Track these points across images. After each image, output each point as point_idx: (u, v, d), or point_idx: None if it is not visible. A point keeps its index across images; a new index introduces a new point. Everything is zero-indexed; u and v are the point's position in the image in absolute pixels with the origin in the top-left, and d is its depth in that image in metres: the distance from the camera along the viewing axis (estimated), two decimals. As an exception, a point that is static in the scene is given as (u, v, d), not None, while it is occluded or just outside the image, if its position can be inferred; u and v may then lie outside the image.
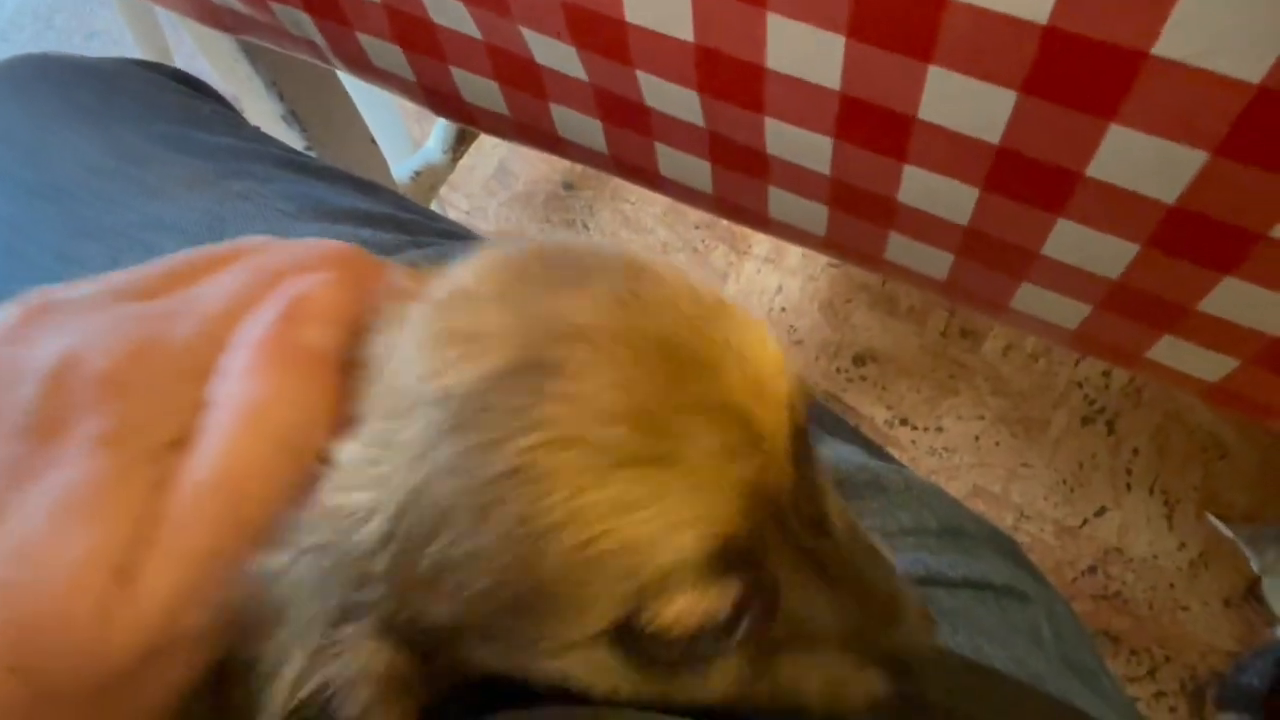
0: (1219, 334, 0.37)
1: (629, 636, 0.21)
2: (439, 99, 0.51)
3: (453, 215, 1.40)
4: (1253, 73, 0.26)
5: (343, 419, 0.22)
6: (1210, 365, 0.40)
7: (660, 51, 0.38)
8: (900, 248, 0.43)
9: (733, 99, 0.39)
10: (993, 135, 0.33)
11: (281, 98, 0.82)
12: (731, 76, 0.37)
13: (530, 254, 0.23)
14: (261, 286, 0.23)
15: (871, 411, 1.18)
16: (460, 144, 1.16)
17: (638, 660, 0.22)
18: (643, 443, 0.20)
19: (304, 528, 0.21)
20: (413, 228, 0.44)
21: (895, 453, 1.17)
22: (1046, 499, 1.13)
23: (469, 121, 0.52)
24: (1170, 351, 0.40)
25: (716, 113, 0.40)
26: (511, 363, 0.20)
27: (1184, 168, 0.30)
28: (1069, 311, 0.41)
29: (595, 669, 0.22)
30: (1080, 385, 1.18)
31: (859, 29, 0.32)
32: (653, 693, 0.23)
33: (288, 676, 0.20)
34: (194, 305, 0.23)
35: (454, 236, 0.46)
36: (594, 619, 0.20)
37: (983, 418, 1.17)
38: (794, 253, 1.27)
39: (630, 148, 0.46)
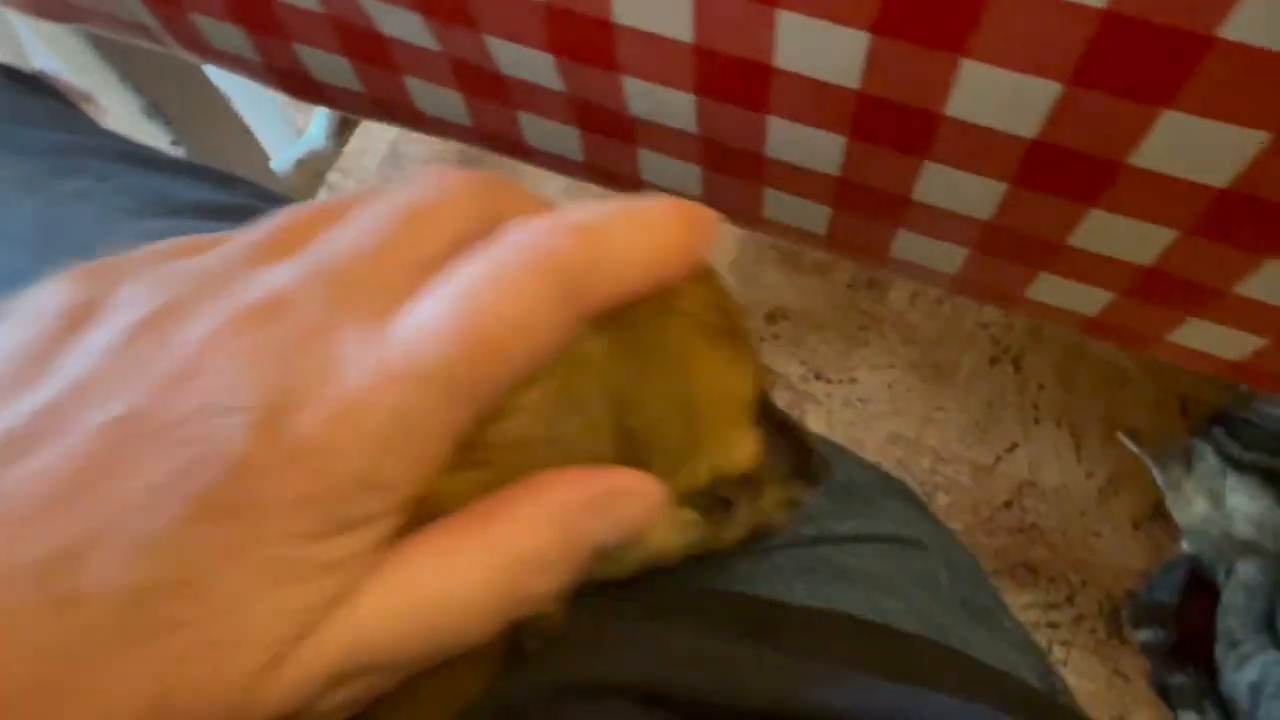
0: (1092, 267, 0.37)
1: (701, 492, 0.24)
2: (289, 80, 0.48)
3: (347, 203, 1.35)
4: (1095, -2, 0.26)
5: None
6: (1087, 299, 0.40)
7: (511, 10, 0.36)
8: (777, 203, 0.42)
9: (589, 60, 0.37)
10: (852, 80, 0.32)
11: (139, 90, 0.77)
12: (583, 35, 0.36)
13: None
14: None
15: (786, 369, 1.19)
16: (345, 129, 1.12)
17: (704, 508, 0.25)
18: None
19: None
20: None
21: (811, 408, 1.17)
22: (960, 440, 1.15)
23: (325, 101, 0.49)
24: (1048, 289, 0.40)
25: (577, 77, 0.38)
26: None
27: (1039, 100, 0.30)
28: (947, 256, 0.41)
29: (676, 525, 0.25)
30: (986, 327, 1.20)
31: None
32: (706, 541, 0.26)
33: None
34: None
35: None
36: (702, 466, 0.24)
37: (894, 366, 1.18)
38: (698, 216, 1.26)
39: (492, 119, 0.44)
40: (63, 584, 0.15)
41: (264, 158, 0.99)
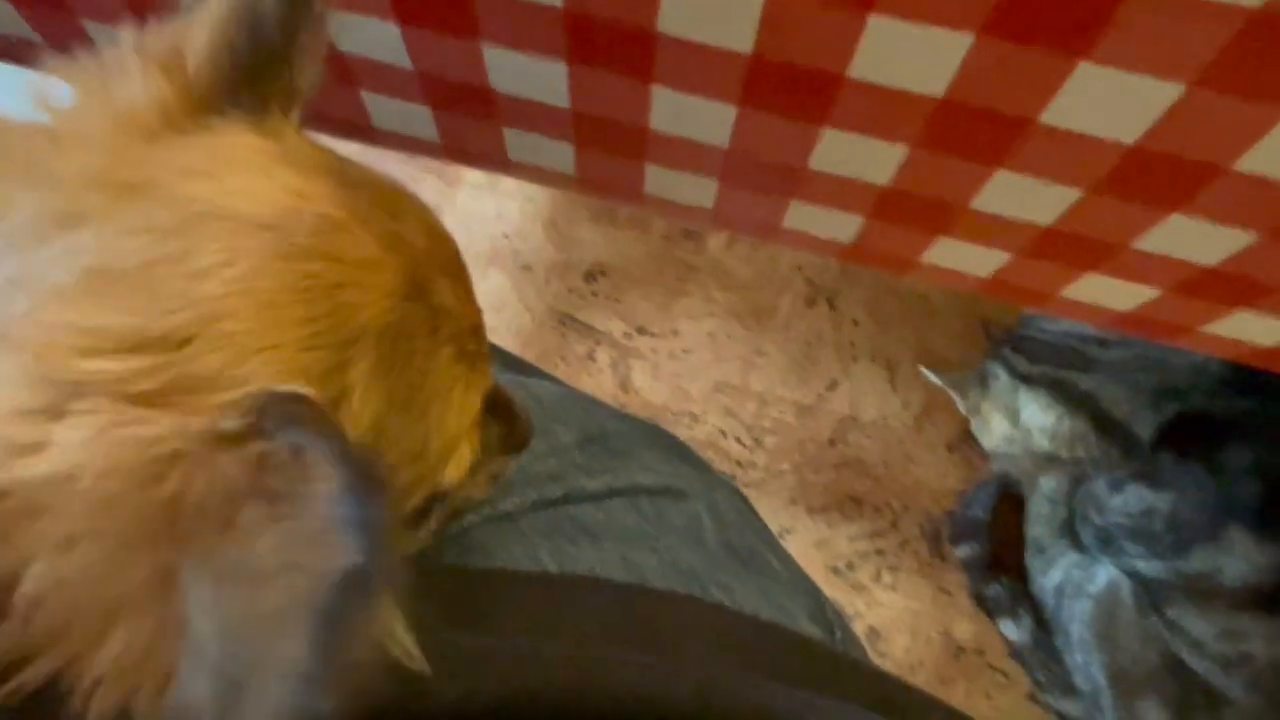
0: (836, 191, 0.36)
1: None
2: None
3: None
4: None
5: None
6: (840, 225, 0.39)
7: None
8: (520, 144, 0.39)
9: (444, 28, 0.32)
10: (744, 45, 0.29)
11: None
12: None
13: None
14: None
15: (608, 326, 1.17)
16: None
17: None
18: None
19: None
20: None
21: (637, 363, 1.17)
22: (783, 382, 1.17)
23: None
24: (803, 217, 0.39)
25: (426, 49, 0.34)
26: None
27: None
28: (700, 189, 0.39)
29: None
30: (800, 269, 1.22)
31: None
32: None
33: None
34: None
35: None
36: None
37: (714, 314, 1.18)
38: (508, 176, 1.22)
39: (336, 99, 0.39)
40: None
41: None
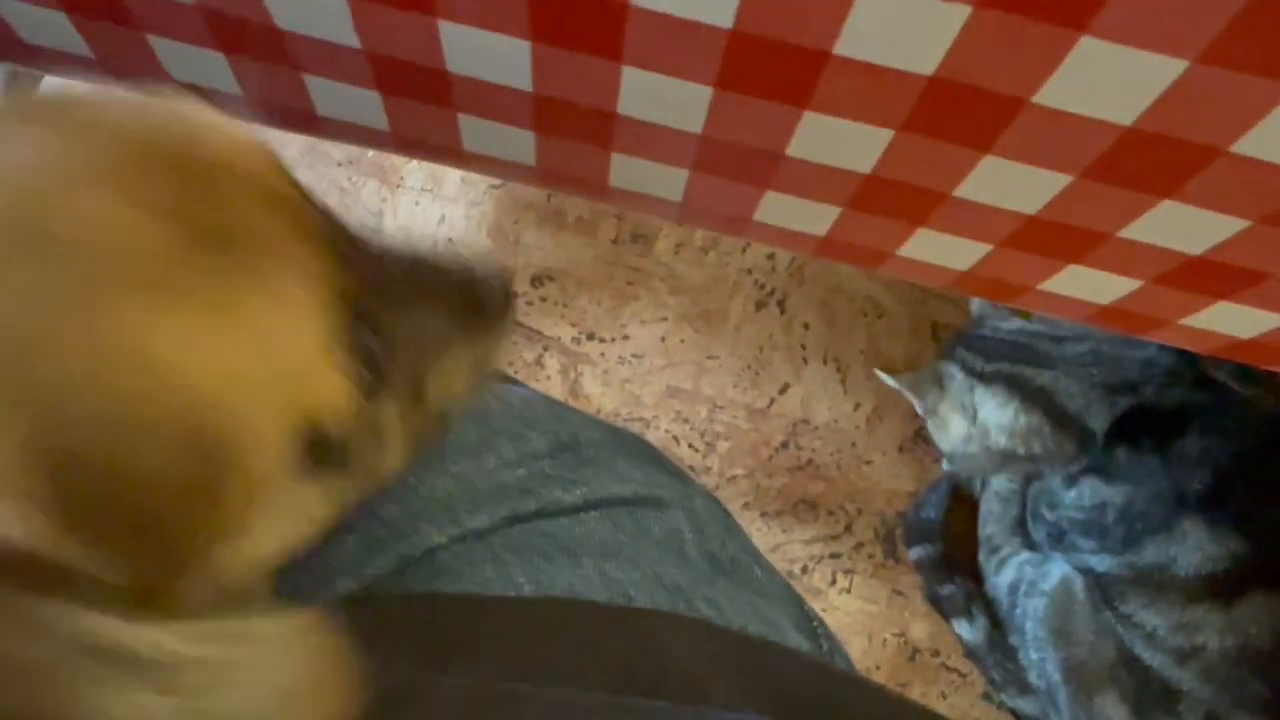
0: (814, 180, 0.35)
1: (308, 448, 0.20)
2: None
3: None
4: None
5: None
6: (815, 217, 0.37)
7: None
8: (476, 132, 0.36)
9: (396, 2, 0.29)
10: (724, 19, 0.27)
11: None
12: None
13: None
14: None
15: (557, 331, 1.14)
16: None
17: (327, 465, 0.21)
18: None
19: None
20: None
21: (587, 369, 1.14)
22: (735, 386, 1.15)
23: (41, 64, 0.39)
24: (776, 209, 0.38)
25: (376, 26, 0.31)
26: None
27: (944, 29, 0.26)
28: (668, 180, 0.37)
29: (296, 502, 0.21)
30: (750, 272, 1.21)
31: None
32: (354, 484, 0.22)
33: None
34: None
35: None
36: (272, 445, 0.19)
37: (665, 319, 1.17)
38: (451, 178, 1.19)
39: (274, 85, 0.35)
40: None
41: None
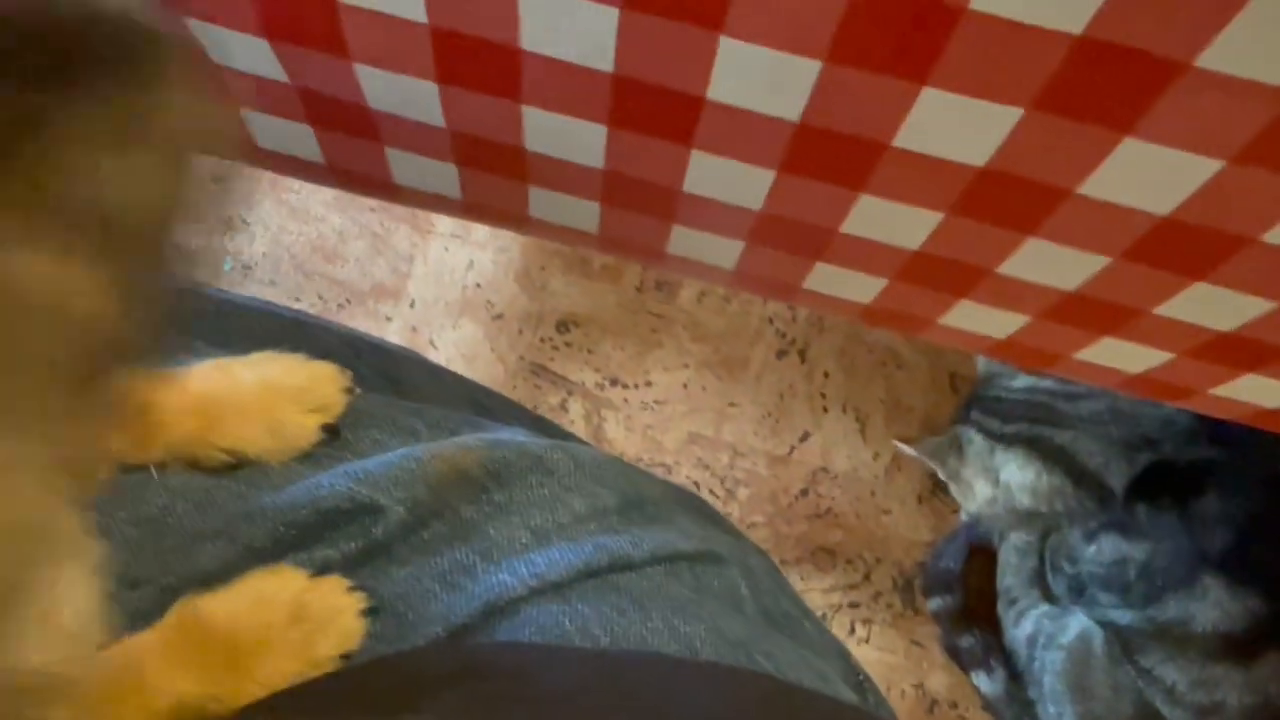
0: (864, 254, 0.37)
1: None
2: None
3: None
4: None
5: None
6: (862, 287, 0.40)
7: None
8: (544, 202, 0.39)
9: (316, 45, 0.32)
10: (604, 63, 0.29)
11: None
12: (302, 14, 0.31)
13: None
14: None
15: (581, 377, 1.16)
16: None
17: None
18: None
19: None
20: None
21: (610, 414, 1.16)
22: (755, 433, 1.17)
23: None
24: (825, 279, 0.40)
25: (302, 65, 0.34)
26: None
27: (800, 80, 0.28)
28: (724, 250, 0.39)
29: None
30: (771, 321, 1.23)
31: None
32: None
33: None
34: None
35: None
36: None
37: (687, 365, 1.18)
38: (480, 227, 1.22)
39: (358, 154, 0.38)
40: None
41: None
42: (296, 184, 1.23)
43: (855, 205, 0.33)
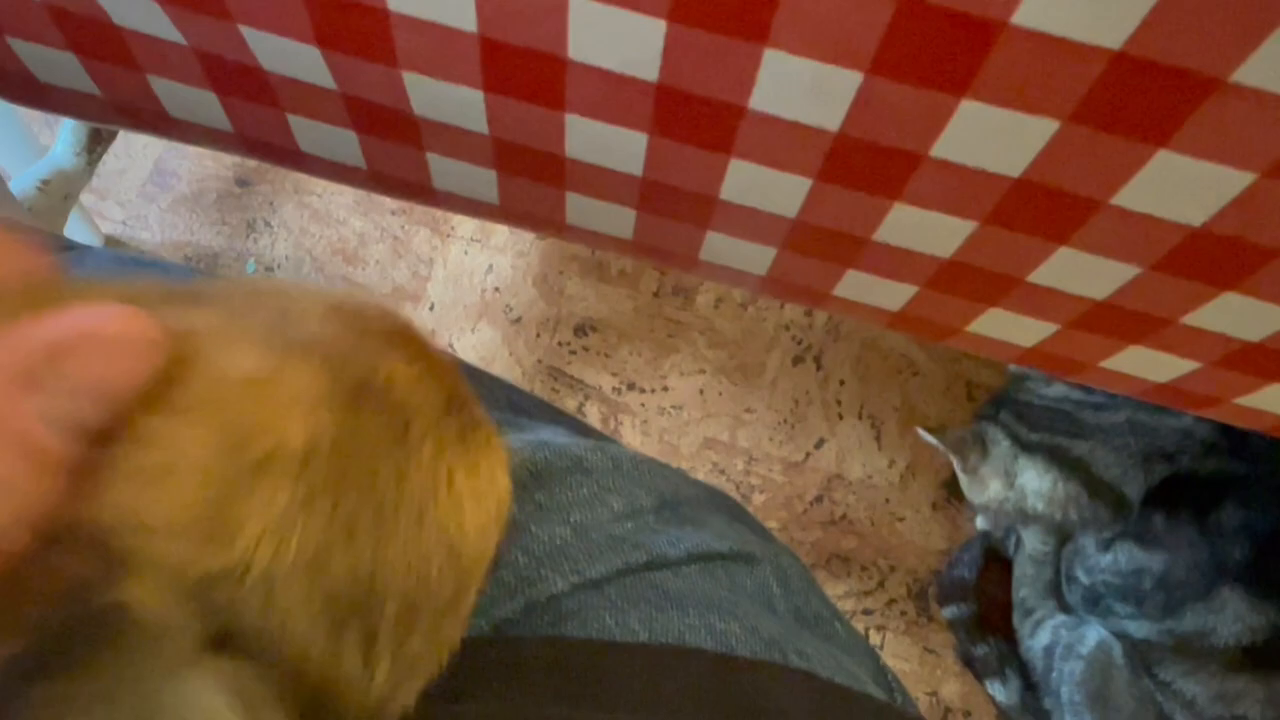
0: (896, 262, 0.37)
1: None
2: (6, 84, 0.41)
3: (106, 228, 1.22)
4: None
5: None
6: (892, 294, 0.40)
7: (269, 8, 0.31)
8: (581, 208, 0.39)
9: (364, 53, 0.33)
10: (650, 72, 0.30)
11: None
12: (357, 26, 0.32)
13: None
14: None
15: (598, 381, 1.17)
16: (96, 144, 1.00)
17: None
18: None
19: None
20: None
21: (627, 418, 1.17)
22: (771, 439, 1.17)
23: (54, 107, 0.42)
24: (855, 286, 0.40)
25: (350, 72, 0.34)
26: None
27: (841, 91, 0.29)
28: (756, 256, 0.40)
29: None
30: (787, 328, 1.23)
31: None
32: None
33: None
34: None
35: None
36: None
37: (704, 371, 1.19)
38: (500, 230, 1.23)
39: (258, 121, 0.39)
40: None
41: (1, 179, 0.87)
42: (319, 187, 1.24)
43: (890, 214, 0.34)
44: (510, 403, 0.39)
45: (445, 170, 0.39)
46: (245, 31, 0.33)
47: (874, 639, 1.10)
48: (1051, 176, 0.30)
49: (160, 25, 0.35)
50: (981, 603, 1.03)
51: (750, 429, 1.18)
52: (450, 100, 0.34)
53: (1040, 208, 0.32)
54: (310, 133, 0.39)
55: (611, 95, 0.32)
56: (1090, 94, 0.27)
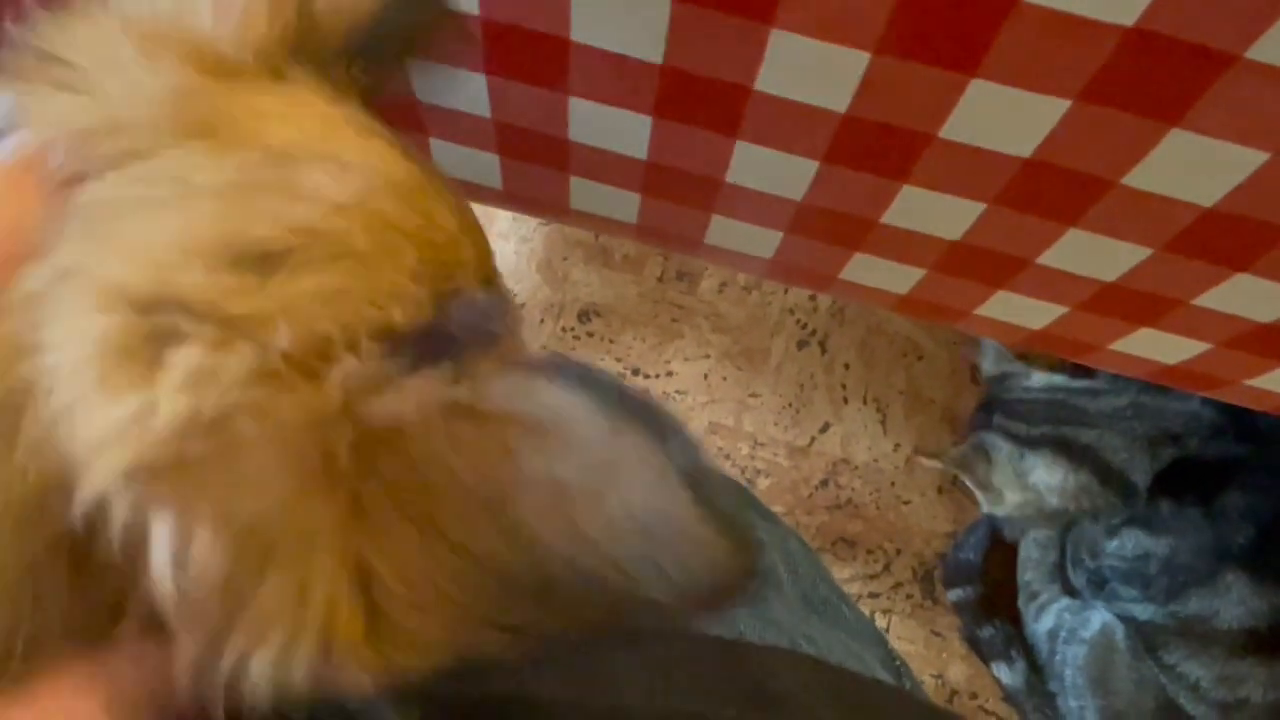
0: (903, 244, 0.37)
1: None
2: None
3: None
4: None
5: None
6: (900, 277, 0.40)
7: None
8: (585, 193, 0.39)
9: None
10: (654, 54, 0.30)
11: None
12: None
13: None
14: None
15: (602, 366, 1.17)
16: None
17: None
18: None
19: None
20: None
21: (631, 404, 1.16)
22: (776, 424, 1.17)
23: None
24: (862, 269, 0.40)
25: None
26: None
27: (848, 71, 0.28)
28: (762, 240, 0.39)
29: None
30: (792, 312, 1.23)
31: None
32: None
33: None
34: None
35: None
36: None
37: (708, 356, 1.19)
38: (503, 216, 1.22)
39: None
40: None
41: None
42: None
43: (898, 196, 0.34)
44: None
45: (447, 155, 0.39)
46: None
47: (880, 622, 1.10)
48: (1062, 156, 0.30)
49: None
50: (987, 585, 1.03)
51: (755, 414, 1.18)
52: (453, 84, 0.34)
53: (1050, 188, 0.31)
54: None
55: (615, 77, 0.31)
56: (1102, 72, 0.27)
